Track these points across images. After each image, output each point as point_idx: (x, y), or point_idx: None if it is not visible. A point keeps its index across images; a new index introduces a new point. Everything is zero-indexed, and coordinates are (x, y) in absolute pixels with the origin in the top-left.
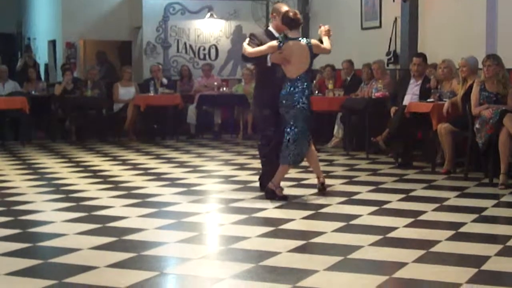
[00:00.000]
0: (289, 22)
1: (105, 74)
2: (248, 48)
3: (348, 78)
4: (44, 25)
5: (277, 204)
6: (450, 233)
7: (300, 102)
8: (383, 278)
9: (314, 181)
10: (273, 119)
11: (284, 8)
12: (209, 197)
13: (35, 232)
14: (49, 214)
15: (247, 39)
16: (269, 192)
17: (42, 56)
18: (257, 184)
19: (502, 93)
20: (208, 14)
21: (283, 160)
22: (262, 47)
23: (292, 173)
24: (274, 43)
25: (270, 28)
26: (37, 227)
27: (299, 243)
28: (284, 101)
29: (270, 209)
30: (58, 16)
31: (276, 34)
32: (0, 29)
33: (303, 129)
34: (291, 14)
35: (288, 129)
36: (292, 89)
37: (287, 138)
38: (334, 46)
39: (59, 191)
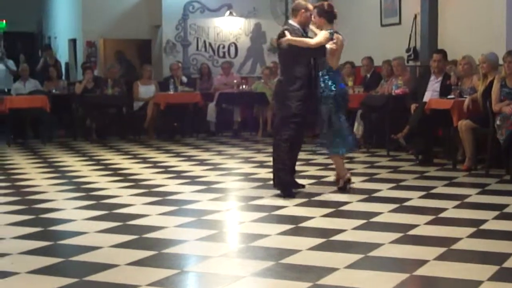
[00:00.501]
0: (328, 14)
1: (124, 73)
2: (311, 40)
3: (368, 75)
4: (64, 24)
5: (297, 202)
6: (471, 230)
7: (341, 91)
8: (404, 276)
9: (334, 178)
10: (297, 116)
11: (308, 4)
12: (229, 195)
13: (56, 230)
14: (70, 212)
15: (287, 32)
16: (343, 187)
17: (62, 55)
18: None
19: None
20: (228, 12)
21: (334, 150)
22: (321, 38)
23: (312, 170)
24: (327, 34)
25: (292, 22)
26: (58, 225)
27: (319, 240)
28: (325, 92)
29: (290, 207)
30: (78, 15)
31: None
32: (21, 28)
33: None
34: (326, 6)
35: (340, 119)
36: (334, 79)
37: (340, 126)
38: (354, 43)
39: (80, 189)
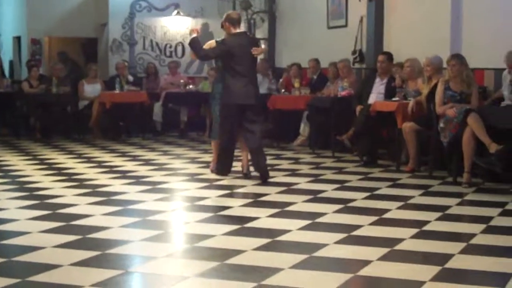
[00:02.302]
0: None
1: (69, 72)
2: None
3: (315, 77)
4: (9, 21)
5: (243, 202)
6: (414, 231)
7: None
8: (347, 276)
9: (280, 179)
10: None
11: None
12: (174, 195)
13: None
14: (13, 212)
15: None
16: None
17: (7, 52)
18: (223, 182)
19: (466, 92)
20: (175, 12)
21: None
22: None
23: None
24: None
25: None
26: (0, 225)
27: (264, 241)
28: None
29: (236, 207)
30: (23, 12)
31: None
32: None
33: None
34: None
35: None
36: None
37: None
38: (301, 45)
39: (23, 189)
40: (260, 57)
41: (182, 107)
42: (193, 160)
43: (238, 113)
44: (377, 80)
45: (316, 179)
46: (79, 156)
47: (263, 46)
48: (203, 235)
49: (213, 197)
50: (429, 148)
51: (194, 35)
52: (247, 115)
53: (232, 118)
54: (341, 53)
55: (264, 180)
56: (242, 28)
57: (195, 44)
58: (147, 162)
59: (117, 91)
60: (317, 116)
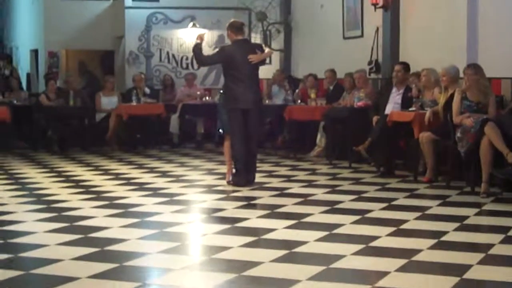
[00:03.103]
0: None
1: (86, 84)
2: None
3: (331, 87)
4: (26, 34)
5: (260, 213)
6: (432, 242)
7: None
8: (365, 287)
9: (296, 190)
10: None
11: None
12: (191, 207)
13: (16, 242)
14: (31, 224)
15: None
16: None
17: (24, 65)
18: (240, 193)
19: (483, 102)
20: (191, 24)
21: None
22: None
23: (275, 182)
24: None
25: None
26: (18, 237)
27: (281, 252)
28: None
29: (253, 219)
30: (40, 25)
31: None
32: None
33: None
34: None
35: None
36: None
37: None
38: (317, 56)
39: (41, 201)
40: (275, 67)
41: (199, 118)
42: (210, 172)
43: (241, 116)
44: (394, 90)
45: (333, 190)
46: (96, 168)
47: (266, 50)
48: (220, 247)
49: (230, 208)
50: (447, 158)
51: (198, 41)
52: (246, 119)
53: (238, 123)
54: (357, 64)
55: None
56: (246, 35)
57: (197, 49)
58: (164, 174)
59: (134, 103)
60: (333, 126)
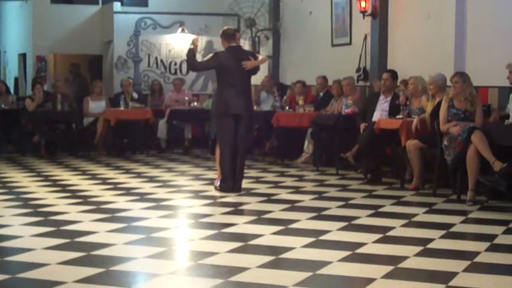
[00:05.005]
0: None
1: (78, 88)
2: None
3: (321, 94)
4: (14, 38)
5: (247, 219)
6: (418, 249)
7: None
8: None
9: (284, 196)
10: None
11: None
12: (178, 212)
13: (2, 246)
14: (17, 228)
15: None
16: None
17: (12, 69)
18: (227, 199)
19: (470, 110)
20: (180, 29)
21: None
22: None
23: (262, 188)
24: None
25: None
26: (4, 241)
27: (268, 258)
28: None
29: (240, 225)
30: (28, 30)
31: None
32: None
33: None
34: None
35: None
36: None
37: None
38: (305, 63)
39: (28, 206)
40: (264, 73)
41: (187, 124)
42: (197, 177)
43: (232, 122)
44: (381, 97)
45: (320, 196)
46: (84, 173)
47: (260, 57)
48: (207, 252)
49: (217, 214)
50: (433, 166)
51: (191, 47)
52: (236, 124)
53: (228, 129)
54: (345, 71)
55: (235, 191)
56: (240, 42)
57: (190, 55)
58: (151, 179)
59: (122, 108)
60: (321, 133)
